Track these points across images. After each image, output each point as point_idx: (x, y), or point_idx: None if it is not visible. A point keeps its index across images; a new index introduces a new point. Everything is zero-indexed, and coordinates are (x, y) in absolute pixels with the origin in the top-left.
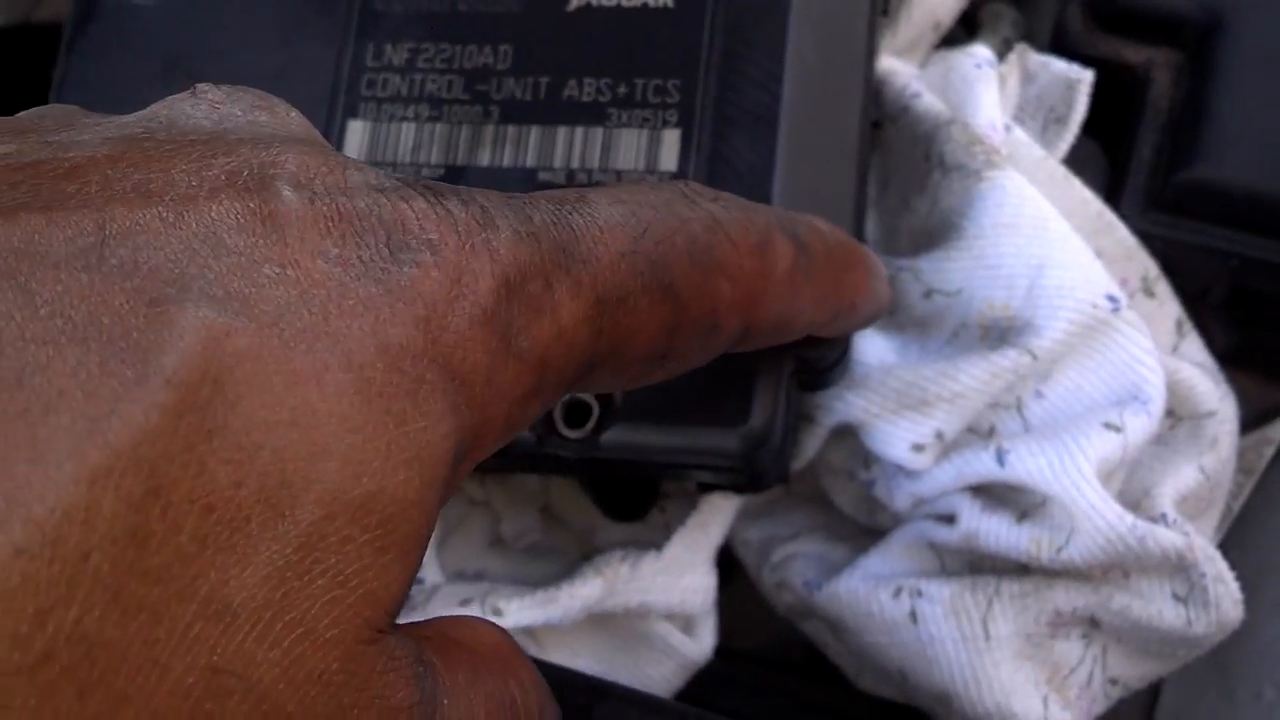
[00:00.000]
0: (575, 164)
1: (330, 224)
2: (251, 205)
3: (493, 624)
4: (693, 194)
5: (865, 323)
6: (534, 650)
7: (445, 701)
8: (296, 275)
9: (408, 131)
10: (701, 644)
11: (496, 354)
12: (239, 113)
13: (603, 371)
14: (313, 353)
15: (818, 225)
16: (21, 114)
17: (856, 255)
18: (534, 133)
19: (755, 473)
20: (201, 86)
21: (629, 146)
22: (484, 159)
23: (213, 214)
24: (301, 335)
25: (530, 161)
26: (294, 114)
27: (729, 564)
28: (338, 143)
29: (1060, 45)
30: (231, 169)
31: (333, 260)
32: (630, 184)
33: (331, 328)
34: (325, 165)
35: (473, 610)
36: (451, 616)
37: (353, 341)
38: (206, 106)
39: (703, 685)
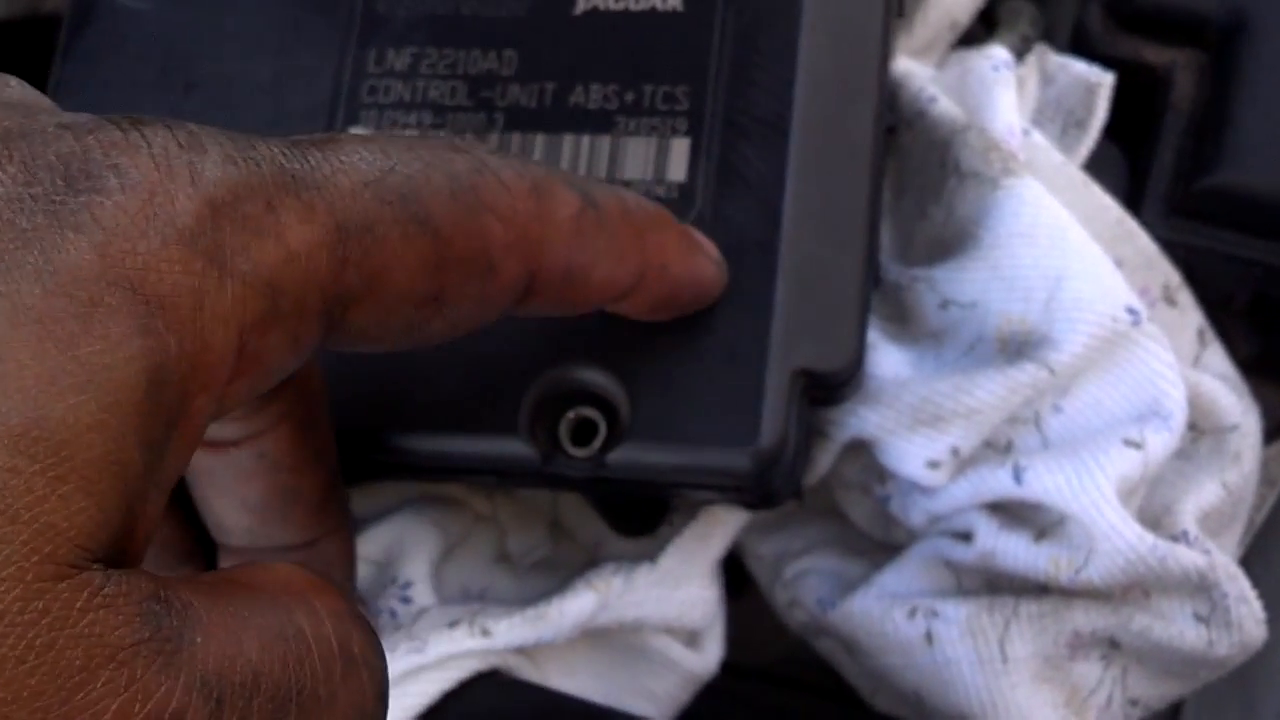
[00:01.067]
0: (582, 172)
1: (2, 167)
2: None
3: (299, 567)
4: (464, 143)
5: (692, 295)
6: (530, 671)
7: (199, 639)
8: None
9: None
10: (706, 657)
11: (205, 275)
12: None
13: (361, 309)
14: None
15: (619, 190)
16: None
17: (665, 220)
18: (539, 141)
19: (766, 491)
20: None
21: (637, 155)
22: None
23: None
24: None
25: None
26: (20, 83)
27: (740, 578)
28: None
29: (1080, 45)
30: None
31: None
32: (394, 134)
33: None
34: (9, 116)
35: (461, 632)
36: (247, 563)
37: (7, 274)
38: None
39: (713, 703)
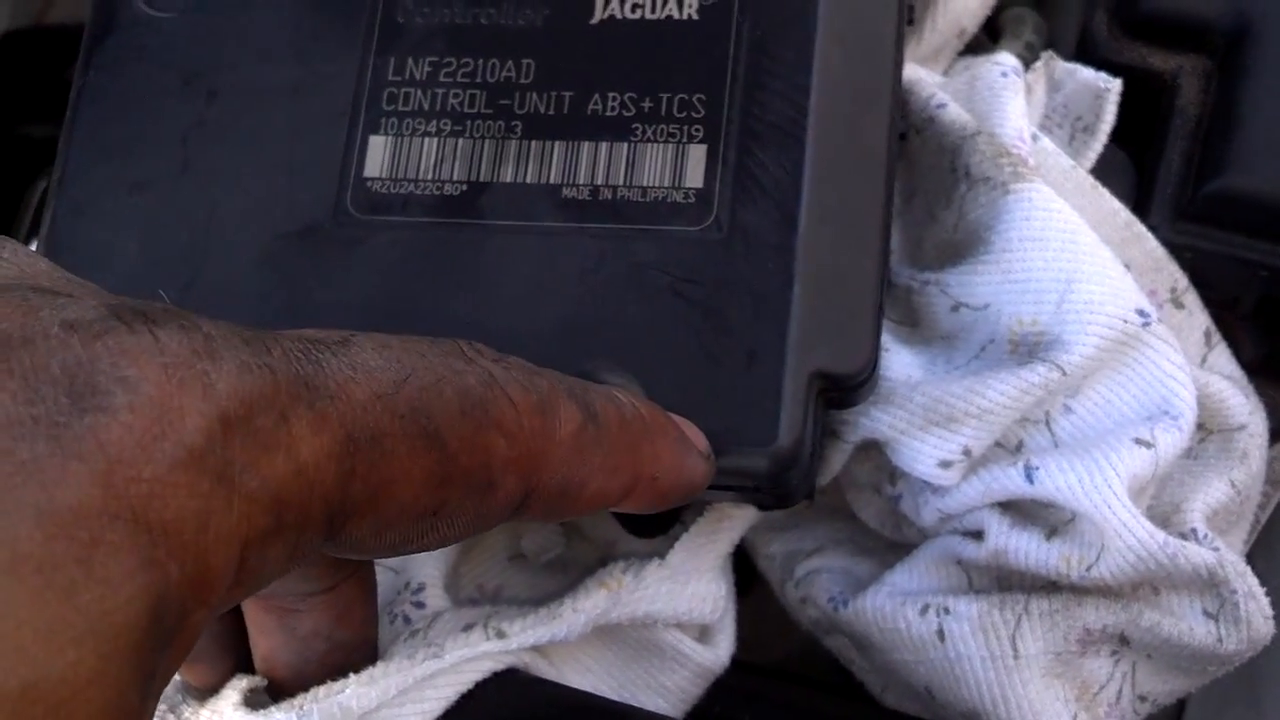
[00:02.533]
0: (600, 180)
1: (3, 384)
2: None
3: None
4: (473, 352)
5: (676, 497)
6: (545, 669)
7: None
8: None
9: (430, 147)
10: (717, 652)
11: (211, 496)
12: None
13: (362, 521)
14: None
15: (616, 395)
16: None
17: (659, 424)
18: (558, 148)
19: (783, 491)
20: None
21: (654, 162)
22: (508, 175)
23: None
24: None
25: (554, 178)
26: (13, 253)
27: (750, 575)
28: (359, 159)
29: (1086, 52)
30: None
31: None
32: (409, 336)
33: None
34: (8, 315)
35: (476, 634)
36: None
37: (6, 516)
38: None
39: (724, 700)
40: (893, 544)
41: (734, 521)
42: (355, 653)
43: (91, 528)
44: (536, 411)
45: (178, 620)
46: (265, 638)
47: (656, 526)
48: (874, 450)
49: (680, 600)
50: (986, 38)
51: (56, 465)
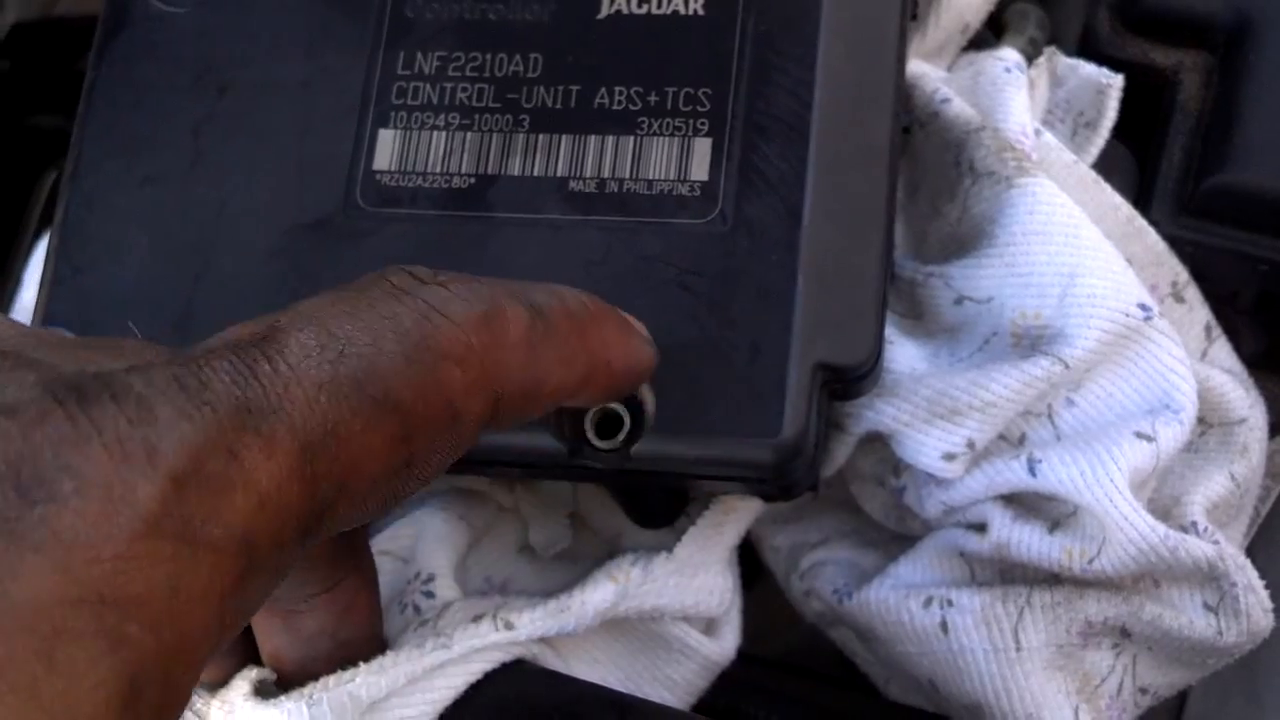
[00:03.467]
0: (606, 173)
1: None
2: None
3: None
4: (406, 283)
5: (630, 382)
6: (553, 660)
7: None
8: None
9: (438, 140)
10: (723, 644)
11: (176, 558)
12: None
13: (339, 510)
14: None
15: (556, 289)
16: None
17: (602, 311)
18: (565, 141)
19: (787, 483)
20: None
21: (660, 155)
22: (515, 168)
23: None
24: None
25: (561, 170)
26: None
27: (755, 568)
28: (368, 152)
29: (1088, 48)
30: None
31: None
32: (335, 291)
33: None
34: None
35: (485, 625)
36: None
37: None
38: None
39: (729, 692)
40: (897, 536)
41: (740, 515)
42: (362, 647)
43: (52, 618)
44: (483, 324)
45: (162, 688)
46: (270, 639)
47: (663, 518)
48: (878, 443)
49: (687, 593)
50: (990, 33)
51: (11, 560)
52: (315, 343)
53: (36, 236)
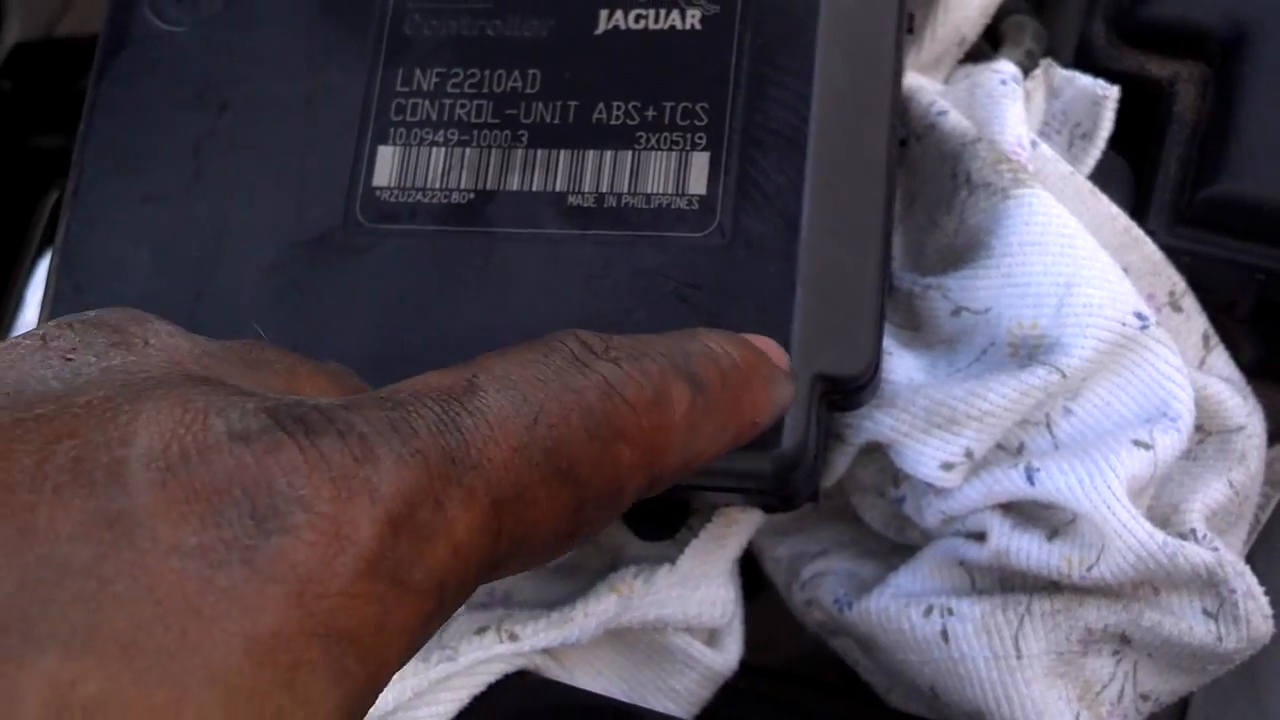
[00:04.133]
0: (605, 187)
1: (187, 506)
2: (97, 506)
3: None
4: (583, 353)
5: (768, 427)
6: (557, 671)
7: None
8: (150, 584)
9: (437, 156)
10: (726, 655)
11: (386, 599)
12: (92, 359)
13: (509, 563)
14: (169, 678)
15: (711, 348)
16: None
17: (752, 366)
18: (563, 156)
19: (787, 494)
20: (53, 330)
21: (658, 170)
22: (514, 183)
23: (56, 527)
24: (156, 661)
25: (560, 185)
26: (155, 335)
27: (757, 578)
28: (368, 168)
29: (1084, 59)
30: (77, 455)
31: (190, 553)
32: (521, 353)
33: (191, 640)
34: (182, 421)
35: (489, 637)
36: None
37: (216, 649)
38: (58, 361)
39: (731, 702)
40: (897, 546)
41: (741, 526)
42: None
43: (293, 649)
44: (653, 408)
45: (360, 715)
46: None
47: (664, 530)
48: (877, 453)
49: (690, 604)
50: (988, 45)
51: (255, 590)
52: (512, 406)
53: (38, 255)
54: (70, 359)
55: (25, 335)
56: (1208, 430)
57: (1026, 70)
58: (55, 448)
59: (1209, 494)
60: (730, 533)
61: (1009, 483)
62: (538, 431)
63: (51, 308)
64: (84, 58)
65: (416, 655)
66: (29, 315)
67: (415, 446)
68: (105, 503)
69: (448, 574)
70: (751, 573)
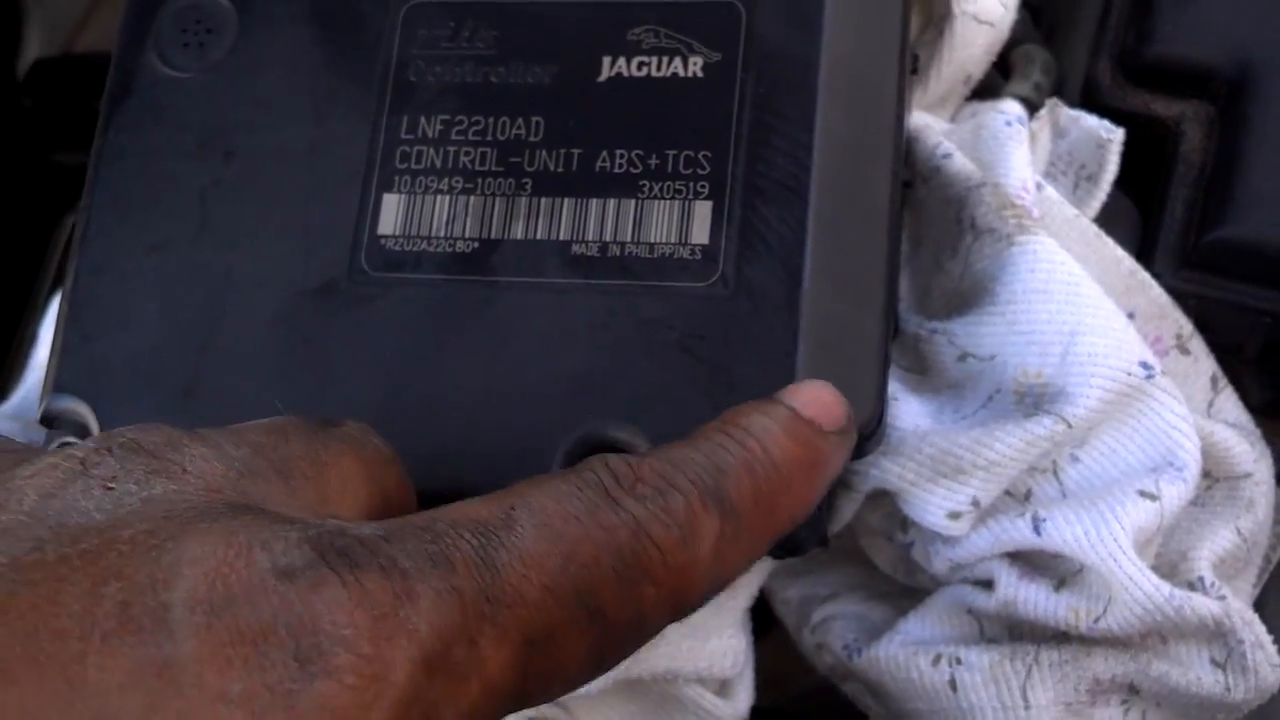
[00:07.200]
0: (608, 236)
1: (232, 650)
2: (145, 654)
3: None
4: (614, 487)
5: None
6: None
7: None
8: None
9: (442, 204)
10: (736, 705)
11: None
12: (133, 488)
13: (533, 697)
14: None
15: (750, 453)
16: None
17: (794, 464)
18: (567, 205)
19: (793, 541)
20: (93, 457)
21: (661, 219)
22: (518, 232)
23: (106, 678)
24: None
25: (564, 234)
26: (192, 461)
27: (768, 616)
28: (373, 217)
29: (1090, 99)
30: (123, 599)
31: (235, 701)
32: (556, 484)
33: None
34: (226, 559)
35: None
36: None
37: None
38: (99, 490)
39: None
40: (907, 588)
41: (752, 576)
42: None
43: None
44: (680, 548)
45: None
46: None
47: None
48: (885, 498)
49: (701, 656)
50: (998, 75)
51: None
52: (546, 544)
53: (56, 282)
54: (111, 488)
55: (63, 456)
56: (1215, 477)
57: (1034, 104)
58: (103, 591)
59: (1217, 542)
60: (741, 583)
61: (1016, 532)
62: (569, 571)
63: (60, 358)
64: (103, 73)
65: None
66: (41, 354)
67: (453, 583)
68: (153, 650)
69: (477, 712)
70: (762, 610)
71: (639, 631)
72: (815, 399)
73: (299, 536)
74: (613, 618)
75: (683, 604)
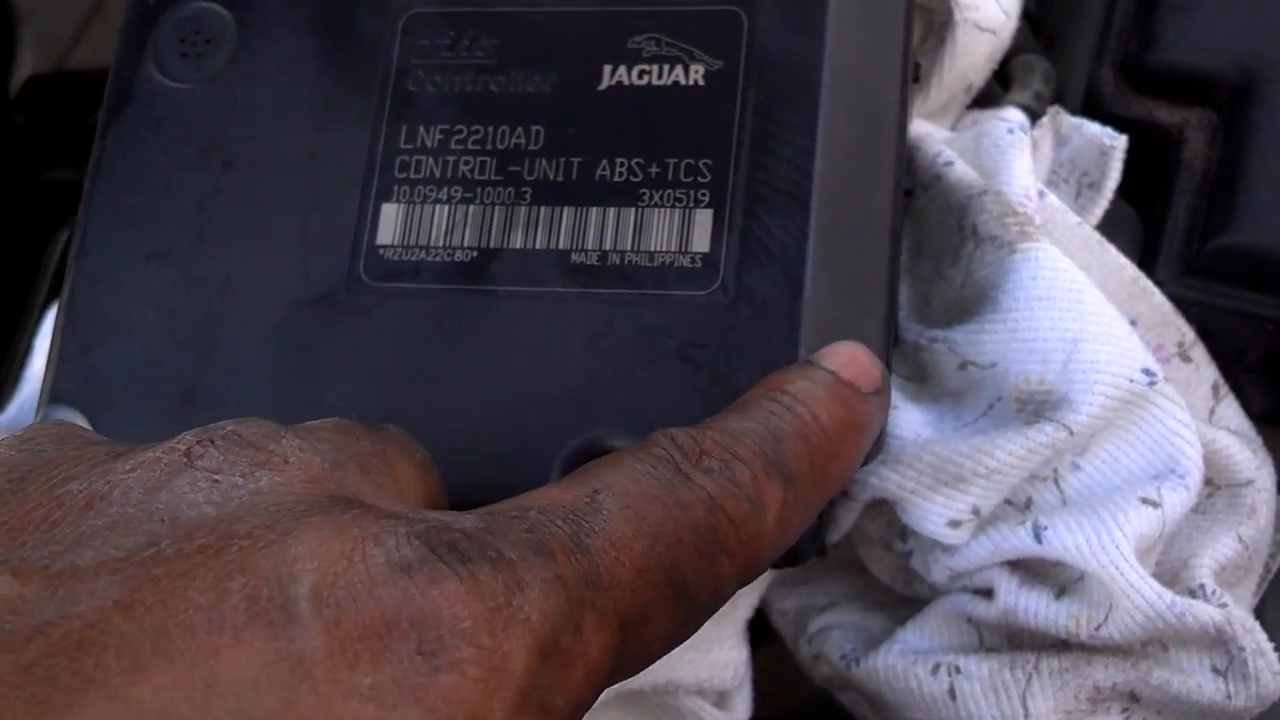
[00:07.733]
0: (608, 245)
1: (360, 644)
2: (277, 648)
3: None
4: (685, 464)
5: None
6: None
7: None
8: None
9: (441, 214)
10: (735, 717)
11: None
12: (239, 480)
13: (625, 674)
14: None
15: (802, 419)
16: (7, 441)
17: (843, 428)
18: (566, 214)
19: (792, 551)
20: (196, 449)
21: (661, 227)
22: (517, 241)
23: (239, 673)
24: None
25: (563, 243)
26: (293, 452)
27: (764, 626)
28: (371, 226)
29: (1092, 106)
30: (250, 593)
31: (367, 695)
32: (630, 464)
33: None
34: (344, 554)
35: None
36: None
37: None
38: (206, 483)
39: None
40: (905, 598)
41: (752, 588)
42: None
43: None
44: (750, 519)
45: None
46: None
47: None
48: (884, 507)
49: (702, 668)
50: (997, 84)
51: None
52: (633, 525)
53: (49, 298)
54: (217, 480)
55: (164, 449)
56: (1217, 484)
57: (1035, 113)
58: (228, 586)
59: (1218, 549)
60: (741, 594)
61: (1016, 540)
62: (657, 552)
63: (57, 367)
64: (97, 90)
65: None
66: (38, 364)
67: (555, 572)
68: (284, 644)
69: (582, 697)
70: (758, 620)
71: (715, 603)
72: (852, 360)
73: (407, 531)
74: (694, 593)
75: (751, 573)
